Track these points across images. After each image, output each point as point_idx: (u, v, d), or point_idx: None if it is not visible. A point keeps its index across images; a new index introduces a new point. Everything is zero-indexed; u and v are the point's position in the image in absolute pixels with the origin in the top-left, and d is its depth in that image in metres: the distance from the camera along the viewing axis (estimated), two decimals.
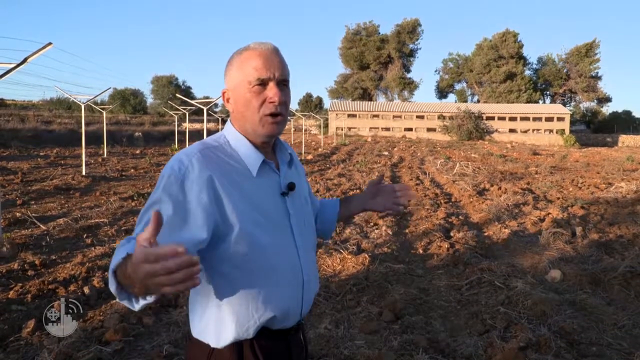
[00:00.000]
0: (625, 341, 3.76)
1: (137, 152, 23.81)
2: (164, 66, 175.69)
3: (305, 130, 41.00)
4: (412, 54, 70.78)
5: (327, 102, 68.92)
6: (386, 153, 26.98)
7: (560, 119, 51.93)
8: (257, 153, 1.32)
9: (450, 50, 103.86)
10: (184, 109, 28.23)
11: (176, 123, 28.63)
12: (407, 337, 3.71)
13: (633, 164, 20.91)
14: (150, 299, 1.02)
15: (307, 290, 1.39)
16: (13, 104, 54.16)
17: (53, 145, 24.84)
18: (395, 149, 31.00)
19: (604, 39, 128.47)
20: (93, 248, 6.05)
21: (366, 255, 5.56)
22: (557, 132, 50.77)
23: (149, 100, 67.67)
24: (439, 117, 52.28)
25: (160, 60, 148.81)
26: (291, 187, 1.37)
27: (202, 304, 1.31)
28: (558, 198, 10.46)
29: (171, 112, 32.68)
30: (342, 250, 5.72)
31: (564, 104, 63.41)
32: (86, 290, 4.46)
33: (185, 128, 27.62)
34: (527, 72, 65.10)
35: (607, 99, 66.25)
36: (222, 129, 1.43)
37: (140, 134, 33.06)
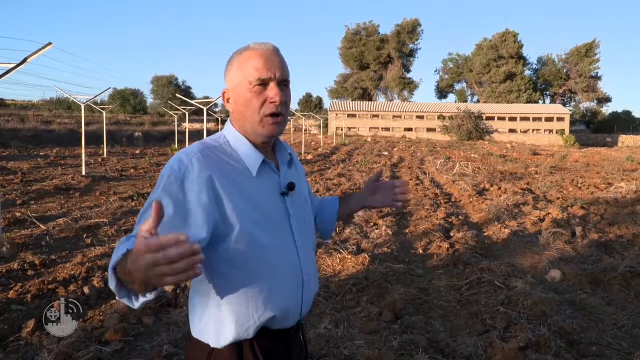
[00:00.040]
0: (625, 341, 3.76)
1: (137, 152, 23.81)
2: (164, 66, 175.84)
3: (305, 130, 41.01)
4: (412, 54, 70.82)
5: (327, 102, 69.03)
6: (386, 153, 26.98)
7: (560, 119, 51.94)
8: (257, 153, 1.32)
9: (450, 51, 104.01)
10: (184, 109, 28.24)
11: (176, 123, 28.64)
12: (407, 337, 3.71)
13: (633, 164, 20.92)
14: (150, 297, 1.02)
15: (307, 291, 1.39)
16: (13, 104, 54.17)
17: (53, 146, 24.85)
18: (395, 149, 31.00)
19: (604, 39, 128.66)
20: (93, 248, 6.05)
21: (366, 255, 5.56)
22: (557, 133, 50.78)
23: (149, 100, 67.76)
24: (439, 118, 52.28)
25: (160, 60, 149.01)
26: (291, 187, 1.37)
27: (202, 304, 1.31)
28: (558, 198, 10.46)
29: (171, 112, 32.70)
30: (342, 251, 5.72)
31: (564, 104, 63.43)
32: (86, 290, 4.46)
33: (185, 128, 27.63)
34: (527, 73, 65.16)
35: (607, 99, 66.30)
36: (221, 129, 1.43)
37: (140, 134, 33.07)
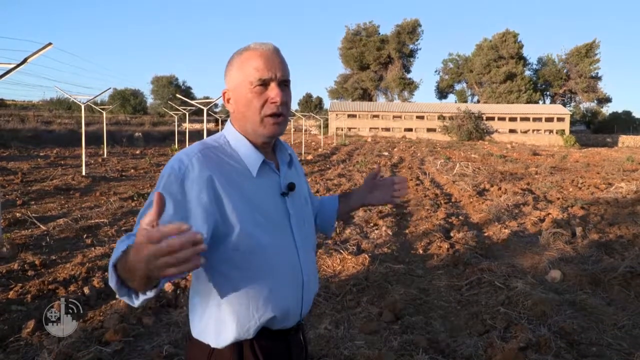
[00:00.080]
0: (625, 341, 3.76)
1: (137, 152, 23.81)
2: (164, 66, 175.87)
3: (305, 130, 41.01)
4: (412, 54, 70.83)
5: (327, 103, 69.04)
6: (386, 153, 26.98)
7: (560, 120, 51.94)
8: (257, 153, 1.32)
9: (450, 51, 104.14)
10: (184, 109, 28.24)
11: (176, 123, 28.64)
12: (407, 337, 3.71)
13: (633, 164, 20.92)
14: (150, 294, 1.02)
15: (306, 291, 1.39)
16: (13, 104, 54.17)
17: (53, 146, 24.84)
18: (395, 149, 31.00)
19: (604, 39, 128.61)
20: (93, 248, 6.05)
21: (366, 255, 5.56)
22: (557, 133, 50.78)
23: (149, 100, 67.74)
24: (439, 118, 52.28)
25: (160, 60, 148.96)
26: (291, 187, 1.37)
27: (202, 304, 1.31)
28: (558, 198, 10.46)
29: (171, 113, 32.69)
30: (342, 251, 5.72)
31: (564, 105, 63.44)
32: (86, 290, 4.45)
33: (185, 128, 27.63)
34: (527, 73, 65.17)
35: (607, 100, 66.31)
36: (221, 129, 1.44)
37: (140, 134, 33.07)
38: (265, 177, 1.33)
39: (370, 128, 52.79)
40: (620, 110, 68.28)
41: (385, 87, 70.73)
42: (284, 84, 1.31)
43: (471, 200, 10.11)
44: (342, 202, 1.71)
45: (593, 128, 62.98)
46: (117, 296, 1.05)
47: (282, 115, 1.30)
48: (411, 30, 68.36)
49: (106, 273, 4.75)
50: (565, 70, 65.29)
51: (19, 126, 29.65)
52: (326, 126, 49.06)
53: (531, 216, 8.21)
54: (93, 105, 29.81)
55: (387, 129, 52.73)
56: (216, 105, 45.50)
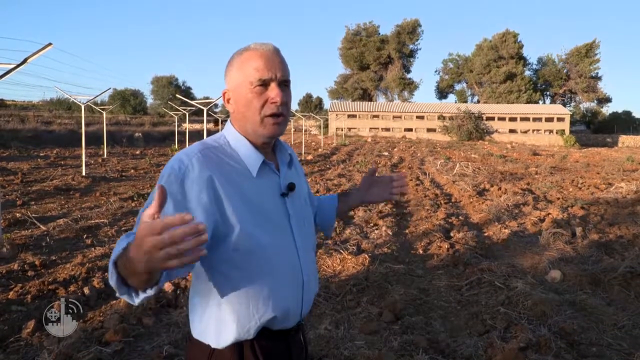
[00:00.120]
0: (625, 342, 3.76)
1: (137, 152, 23.80)
2: (164, 66, 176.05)
3: (305, 130, 40.99)
4: (412, 54, 70.83)
5: (327, 103, 69.08)
6: (386, 153, 26.98)
7: (560, 120, 51.94)
8: (257, 154, 1.32)
9: (450, 51, 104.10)
10: (184, 109, 28.24)
11: (176, 123, 28.65)
12: (407, 337, 3.70)
13: (633, 164, 20.92)
14: (150, 292, 1.02)
15: (307, 291, 1.39)
16: (13, 105, 54.18)
17: (53, 146, 24.84)
18: (395, 149, 31.00)
19: (604, 39, 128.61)
20: (93, 248, 6.05)
21: (366, 255, 5.56)
22: (557, 133, 50.78)
23: (149, 100, 67.76)
24: (439, 118, 52.28)
25: (160, 60, 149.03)
26: (291, 187, 1.37)
27: (202, 304, 1.31)
28: (558, 198, 10.46)
29: (171, 113, 32.69)
30: (342, 251, 5.72)
31: (564, 105, 63.45)
32: (86, 290, 4.45)
33: (185, 128, 27.63)
34: (527, 73, 65.18)
35: (607, 100, 66.31)
36: (221, 129, 1.44)
37: (140, 134, 33.07)
38: (265, 177, 1.33)
39: (370, 128, 52.79)
40: (620, 110, 68.38)
41: (385, 87, 70.74)
42: (284, 84, 1.31)
43: (471, 200, 10.11)
44: (342, 201, 1.72)
45: (593, 128, 62.98)
46: (117, 295, 1.04)
47: (282, 115, 1.30)
48: (411, 30, 68.37)
49: (106, 273, 4.75)
50: (565, 70, 65.30)
51: (19, 126, 29.67)
52: (326, 126, 49.07)
53: (531, 216, 8.21)
54: (93, 106, 29.80)
55: (387, 129, 52.72)
56: (216, 106, 45.50)
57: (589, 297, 4.54)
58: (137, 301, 1.04)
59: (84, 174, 13.23)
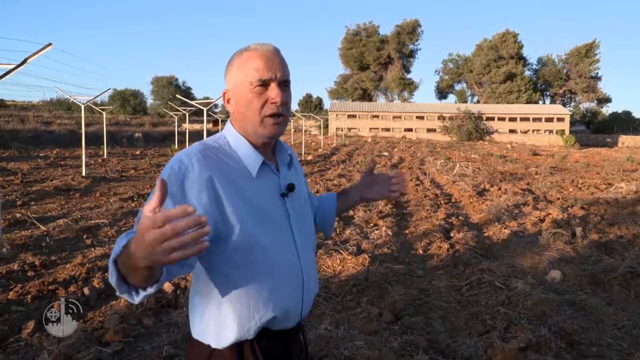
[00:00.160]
0: (625, 342, 3.76)
1: (137, 152, 23.80)
2: (164, 66, 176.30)
3: (305, 130, 41.00)
4: (412, 54, 70.84)
5: (327, 103, 69.07)
6: (386, 153, 26.99)
7: (560, 120, 51.94)
8: (256, 154, 1.32)
9: (450, 51, 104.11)
10: (184, 109, 28.25)
11: (176, 124, 28.65)
12: (407, 337, 3.70)
13: (633, 165, 20.92)
14: (150, 290, 1.02)
15: (307, 291, 1.39)
16: (13, 105, 54.21)
17: (53, 146, 24.84)
18: (395, 149, 31.00)
19: (604, 39, 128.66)
20: (93, 249, 6.05)
21: (366, 255, 5.56)
22: (557, 133, 50.78)
23: (149, 101, 67.77)
24: (438, 118, 52.28)
25: (160, 60, 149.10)
26: (291, 188, 1.37)
27: (202, 304, 1.31)
28: (558, 198, 10.46)
29: (171, 113, 32.68)
30: (342, 251, 5.72)
31: (564, 105, 63.46)
32: (86, 291, 4.45)
33: (185, 129, 27.63)
34: (527, 73, 65.19)
35: (607, 100, 66.32)
36: (221, 129, 1.44)
37: (140, 134, 33.08)
38: (265, 178, 1.33)
39: (370, 128, 52.79)
40: (620, 111, 68.38)
41: (385, 88, 70.74)
42: (284, 84, 1.31)
43: (471, 200, 10.11)
44: (341, 200, 1.72)
45: (593, 128, 62.99)
46: (117, 294, 1.04)
47: (282, 115, 1.30)
48: (411, 31, 68.37)
49: (106, 274, 4.75)
50: (565, 71, 65.31)
51: (19, 127, 29.67)
52: (326, 126, 49.07)
53: (531, 216, 8.21)
54: (93, 106, 29.79)
55: (387, 129, 52.73)
56: (216, 106, 45.52)
57: (589, 297, 4.54)
58: (137, 300, 1.04)
59: (84, 174, 13.23)
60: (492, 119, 51.27)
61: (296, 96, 77.97)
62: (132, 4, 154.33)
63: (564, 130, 50.78)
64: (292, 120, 37.41)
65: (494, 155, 26.13)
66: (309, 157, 22.19)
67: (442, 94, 72.36)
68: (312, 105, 71.97)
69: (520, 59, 63.82)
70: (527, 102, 60.04)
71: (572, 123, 54.72)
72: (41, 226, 6.99)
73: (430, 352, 3.51)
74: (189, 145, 1.73)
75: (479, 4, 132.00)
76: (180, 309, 4.21)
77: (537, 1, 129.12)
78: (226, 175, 1.25)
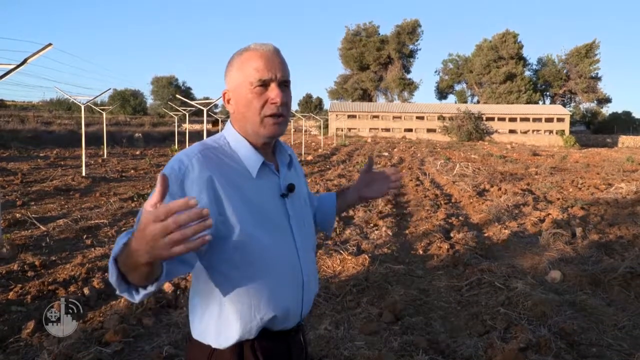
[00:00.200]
0: (625, 342, 3.76)
1: (137, 153, 23.80)
2: (164, 67, 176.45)
3: (305, 131, 41.00)
4: (412, 54, 70.87)
5: (327, 103, 69.08)
6: (386, 154, 26.99)
7: (560, 120, 51.96)
8: (256, 154, 1.32)
9: (450, 51, 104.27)
10: (184, 109, 28.24)
11: (176, 124, 28.66)
12: (407, 338, 3.70)
13: (633, 165, 20.92)
14: (151, 289, 1.02)
15: (307, 291, 1.39)
16: (13, 105, 54.23)
17: (53, 146, 24.84)
18: (395, 149, 31.01)
19: (604, 40, 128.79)
20: (93, 249, 6.05)
21: (366, 256, 5.56)
22: (557, 133, 50.79)
23: (149, 101, 67.77)
24: (438, 118, 52.30)
25: (160, 60, 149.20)
26: (291, 188, 1.37)
27: (202, 304, 1.31)
28: (558, 199, 10.46)
29: (171, 113, 32.68)
30: (342, 251, 5.72)
31: (564, 105, 63.48)
32: (86, 291, 4.45)
33: (185, 129, 27.63)
34: (527, 73, 65.23)
35: (607, 100, 66.33)
36: (220, 129, 1.44)
37: (140, 134, 33.08)
38: (265, 178, 1.33)
39: (370, 128, 52.81)
40: (620, 111, 68.39)
41: (385, 88, 70.76)
42: (284, 84, 1.31)
43: (471, 200, 10.11)
44: (340, 199, 1.72)
45: (593, 128, 63.00)
46: (117, 293, 1.04)
47: (282, 115, 1.30)
48: (411, 31, 68.38)
49: (106, 274, 4.74)
50: (565, 71, 65.33)
51: (18, 127, 29.67)
52: (326, 127, 49.07)
53: (531, 217, 8.21)
54: (93, 106, 29.76)
55: (387, 130, 52.74)
56: (216, 106, 45.49)
57: (589, 297, 4.54)
58: (137, 298, 1.04)
59: (83, 174, 13.22)
60: (492, 119, 51.28)
61: (296, 96, 78.06)
62: (132, 4, 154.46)
63: (564, 131, 50.80)
64: (292, 121, 37.41)
65: (493, 155, 26.13)
66: (309, 157, 22.19)
67: (442, 94, 72.41)
68: (312, 106, 71.97)
69: (520, 59, 63.84)
70: (527, 103, 60.07)
71: (572, 123, 54.74)
72: (41, 226, 6.99)
73: (430, 352, 3.51)
74: (189, 145, 1.74)
75: (479, 4, 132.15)
76: (180, 309, 4.21)
77: (537, 1, 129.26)
78: (226, 175, 1.25)
